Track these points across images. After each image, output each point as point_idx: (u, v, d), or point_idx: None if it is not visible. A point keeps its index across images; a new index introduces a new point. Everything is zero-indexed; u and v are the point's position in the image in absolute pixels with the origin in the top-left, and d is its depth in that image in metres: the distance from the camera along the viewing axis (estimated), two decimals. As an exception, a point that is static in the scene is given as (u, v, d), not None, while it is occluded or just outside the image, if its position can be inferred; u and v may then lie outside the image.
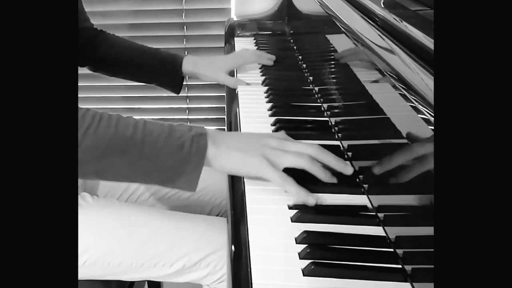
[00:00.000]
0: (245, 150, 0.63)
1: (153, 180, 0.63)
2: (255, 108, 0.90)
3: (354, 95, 0.73)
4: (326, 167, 0.64)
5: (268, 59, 1.09)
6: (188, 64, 1.03)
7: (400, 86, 0.52)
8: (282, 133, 0.69)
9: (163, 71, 1.04)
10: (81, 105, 0.61)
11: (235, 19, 1.41)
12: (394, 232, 0.55)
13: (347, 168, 0.64)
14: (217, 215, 0.94)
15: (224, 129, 0.88)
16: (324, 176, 0.63)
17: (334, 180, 0.64)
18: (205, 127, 0.65)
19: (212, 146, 0.63)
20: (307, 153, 0.63)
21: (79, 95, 1.62)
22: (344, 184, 0.64)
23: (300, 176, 0.62)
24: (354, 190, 0.64)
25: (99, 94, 1.70)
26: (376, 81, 0.63)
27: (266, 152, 0.63)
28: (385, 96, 0.60)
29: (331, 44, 0.86)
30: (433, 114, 0.44)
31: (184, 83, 1.65)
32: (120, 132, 0.61)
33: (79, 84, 1.57)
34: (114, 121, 0.61)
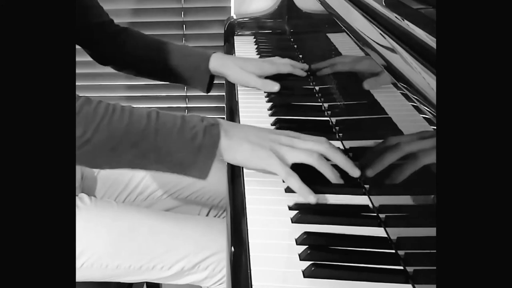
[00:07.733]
0: (256, 143, 0.64)
1: (165, 169, 0.64)
2: (255, 108, 0.89)
3: (355, 94, 0.73)
4: (334, 166, 0.63)
5: (301, 69, 1.00)
6: (216, 62, 0.96)
7: (402, 86, 0.51)
8: (291, 131, 0.68)
9: (190, 70, 0.98)
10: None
11: (234, 17, 1.40)
12: (395, 233, 0.55)
13: (354, 170, 0.63)
14: (216, 215, 0.94)
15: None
16: (332, 175, 0.63)
17: (341, 181, 0.63)
18: (216, 118, 0.66)
19: (224, 138, 0.63)
20: (316, 151, 0.63)
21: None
22: (345, 184, 0.64)
23: (303, 176, 0.62)
24: (355, 190, 0.64)
25: (98, 94, 1.69)
26: (377, 81, 0.63)
27: (276, 147, 0.63)
28: (386, 95, 0.59)
29: (332, 43, 0.86)
30: (435, 114, 0.43)
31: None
32: (133, 125, 0.61)
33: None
34: (127, 114, 0.62)
